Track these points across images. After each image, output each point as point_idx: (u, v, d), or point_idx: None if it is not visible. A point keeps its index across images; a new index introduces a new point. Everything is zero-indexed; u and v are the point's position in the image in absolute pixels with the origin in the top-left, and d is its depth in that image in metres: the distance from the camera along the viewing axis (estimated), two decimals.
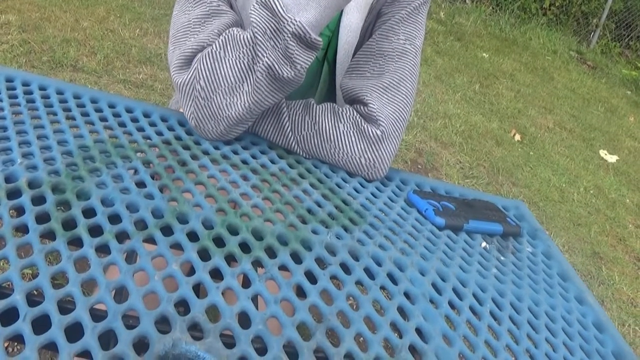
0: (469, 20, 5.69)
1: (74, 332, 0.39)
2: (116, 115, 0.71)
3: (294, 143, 0.74)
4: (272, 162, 0.72)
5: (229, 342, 0.42)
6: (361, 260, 0.57)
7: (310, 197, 0.66)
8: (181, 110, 0.74)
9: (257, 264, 0.51)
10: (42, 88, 0.72)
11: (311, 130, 0.73)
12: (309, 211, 0.63)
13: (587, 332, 0.62)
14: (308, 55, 0.64)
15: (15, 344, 1.12)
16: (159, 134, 0.70)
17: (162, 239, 0.50)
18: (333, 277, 0.53)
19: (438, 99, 3.48)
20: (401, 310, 0.52)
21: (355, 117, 0.73)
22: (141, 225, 0.51)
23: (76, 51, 2.50)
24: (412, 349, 0.48)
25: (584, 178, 3.15)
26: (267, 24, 0.62)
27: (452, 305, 0.56)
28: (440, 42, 4.72)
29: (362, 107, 0.74)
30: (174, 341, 0.40)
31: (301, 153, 0.75)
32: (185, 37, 0.71)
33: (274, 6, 0.61)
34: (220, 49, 0.66)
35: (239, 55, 0.65)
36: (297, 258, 0.54)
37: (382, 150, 0.74)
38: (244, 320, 0.44)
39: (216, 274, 0.48)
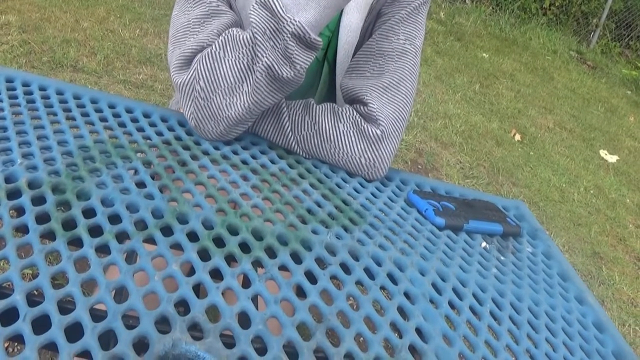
0: (469, 20, 5.70)
1: (74, 332, 0.39)
2: (116, 115, 0.71)
3: (294, 143, 0.74)
4: (272, 162, 0.72)
5: (229, 342, 0.42)
6: (361, 260, 0.57)
7: (310, 197, 0.66)
8: (181, 110, 0.74)
9: (257, 264, 0.51)
10: (42, 88, 0.72)
11: (311, 130, 0.73)
12: (309, 211, 0.63)
13: (587, 332, 0.62)
14: (307, 55, 0.64)
15: (15, 344, 1.12)
16: (159, 134, 0.70)
17: (162, 239, 0.50)
18: (333, 277, 0.53)
19: (438, 99, 3.48)
20: (401, 310, 0.52)
21: (355, 116, 0.73)
22: (141, 225, 0.51)
23: (76, 51, 2.50)
24: (412, 349, 0.48)
25: (584, 178, 3.15)
26: (266, 24, 0.62)
27: (452, 305, 0.56)
28: (440, 42, 4.72)
29: (362, 107, 0.74)
30: (174, 341, 0.40)
31: (301, 153, 0.75)
32: (184, 37, 0.71)
33: (274, 6, 0.61)
34: (220, 49, 0.66)
35: (238, 56, 0.65)
36: (297, 258, 0.54)
37: (382, 150, 0.74)
38: (244, 320, 0.44)
39: (216, 274, 0.48)
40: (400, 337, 0.49)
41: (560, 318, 0.62)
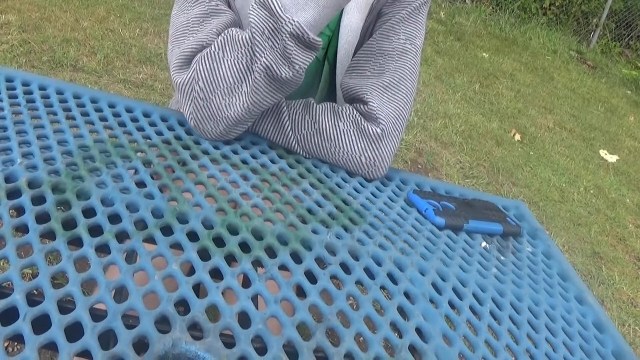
0: (469, 21, 5.69)
1: (74, 332, 0.39)
2: (116, 115, 0.71)
3: (294, 142, 0.74)
4: (273, 162, 0.72)
5: (229, 342, 0.42)
6: (361, 260, 0.57)
7: (310, 197, 0.66)
8: (181, 110, 0.74)
9: (257, 264, 0.51)
10: (42, 88, 0.72)
11: (311, 130, 0.73)
12: (309, 211, 0.63)
13: (588, 332, 0.62)
14: (307, 55, 0.64)
15: (16, 343, 1.12)
16: (159, 134, 0.70)
17: (162, 239, 0.50)
18: (333, 277, 0.53)
19: (438, 99, 3.48)
20: (401, 310, 0.52)
21: (356, 115, 0.73)
22: (141, 225, 0.51)
23: (76, 51, 2.50)
24: (413, 349, 0.48)
25: (584, 178, 3.15)
26: (265, 24, 0.62)
27: (452, 305, 0.56)
28: (441, 42, 4.72)
29: (362, 106, 0.74)
30: (174, 341, 0.40)
31: (301, 152, 0.75)
32: (184, 37, 0.71)
33: (273, 6, 0.61)
34: (219, 49, 0.66)
35: (237, 56, 0.65)
36: (297, 258, 0.54)
37: (383, 149, 0.74)
38: (244, 320, 0.44)
39: (216, 274, 0.48)
40: (401, 337, 0.49)
41: (560, 318, 0.62)
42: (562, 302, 0.65)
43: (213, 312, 0.45)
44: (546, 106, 4.20)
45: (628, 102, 5.23)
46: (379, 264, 0.57)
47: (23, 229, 0.47)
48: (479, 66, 4.49)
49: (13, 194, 0.51)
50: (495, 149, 3.11)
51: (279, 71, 0.63)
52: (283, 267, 0.52)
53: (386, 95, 0.75)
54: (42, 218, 0.48)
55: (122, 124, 0.69)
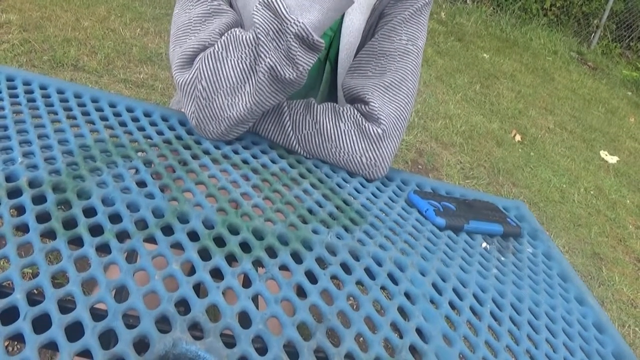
0: (470, 21, 5.69)
1: (74, 331, 0.39)
2: (117, 114, 0.71)
3: (294, 142, 0.74)
4: (273, 161, 0.72)
5: (230, 341, 0.42)
6: (362, 260, 0.57)
7: (310, 197, 0.66)
8: (182, 109, 0.74)
9: (257, 263, 0.51)
10: (42, 87, 0.72)
11: (312, 129, 0.73)
12: (310, 211, 0.63)
13: (587, 333, 0.62)
14: (310, 56, 0.64)
15: (16, 343, 1.12)
16: (160, 133, 0.70)
17: (162, 239, 0.50)
18: (333, 277, 0.53)
19: (439, 99, 3.48)
20: (401, 311, 0.52)
21: (356, 115, 0.73)
22: (142, 224, 0.51)
23: (77, 50, 2.50)
24: (413, 349, 0.48)
25: (584, 179, 3.15)
26: (270, 24, 0.62)
27: (452, 305, 0.56)
28: (441, 43, 4.72)
29: (363, 106, 0.74)
30: (174, 341, 0.40)
31: (302, 152, 0.75)
32: (186, 36, 0.71)
33: (277, 7, 0.61)
34: (222, 49, 0.66)
35: (241, 56, 0.65)
36: (297, 258, 0.54)
37: (383, 149, 0.74)
38: (245, 320, 0.44)
39: (216, 274, 0.48)
40: (401, 337, 0.49)
41: (560, 319, 0.62)
42: (562, 303, 0.65)
43: (213, 312, 0.45)
44: (546, 107, 4.20)
45: (628, 103, 5.23)
46: (379, 264, 0.57)
47: (23, 228, 0.47)
48: (479, 66, 4.49)
49: (13, 193, 0.51)
50: (496, 149, 3.10)
51: (283, 72, 0.63)
52: (283, 267, 0.52)
53: (387, 96, 0.75)
54: (43, 217, 0.48)
55: (123, 124, 0.69)
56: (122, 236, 0.49)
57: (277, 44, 0.62)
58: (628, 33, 6.93)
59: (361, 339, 0.48)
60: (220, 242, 0.52)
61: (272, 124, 0.74)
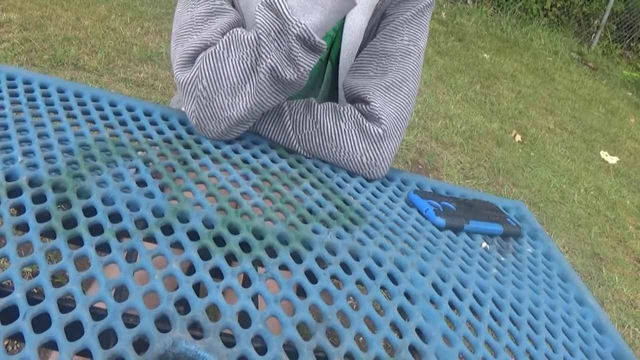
0: (470, 21, 5.69)
1: (74, 330, 0.39)
2: (117, 113, 0.71)
3: (295, 142, 0.74)
4: (273, 161, 0.72)
5: (229, 341, 0.42)
6: (361, 260, 0.57)
7: (310, 197, 0.66)
8: (183, 108, 0.74)
9: (257, 263, 0.51)
10: (43, 86, 0.72)
11: (312, 129, 0.73)
12: (310, 211, 0.63)
13: (587, 333, 0.62)
14: (311, 58, 0.64)
15: (15, 342, 1.12)
16: (160, 132, 0.70)
17: (162, 238, 0.50)
18: (333, 277, 0.53)
19: (439, 99, 3.48)
20: (401, 310, 0.52)
21: (357, 115, 0.73)
22: (141, 224, 0.51)
23: (77, 50, 2.50)
24: (412, 349, 0.48)
25: (584, 179, 3.15)
26: (272, 25, 0.62)
27: (452, 305, 0.56)
28: (442, 43, 4.72)
29: (363, 106, 0.74)
30: (174, 340, 0.40)
31: (302, 152, 0.75)
32: (187, 35, 0.71)
33: (280, 8, 0.61)
34: (224, 49, 0.66)
35: (242, 56, 0.65)
36: (297, 257, 0.54)
37: (384, 149, 0.74)
38: (244, 319, 0.44)
39: (216, 273, 0.48)
40: (401, 337, 0.49)
41: (560, 319, 0.62)
42: (562, 303, 0.65)
43: (213, 311, 0.45)
44: (547, 107, 4.20)
45: (629, 104, 5.23)
46: (379, 264, 0.57)
47: (23, 227, 0.47)
48: (479, 66, 4.49)
49: (13, 192, 0.51)
50: (496, 149, 3.10)
51: (284, 72, 0.63)
52: (283, 267, 0.52)
53: (388, 96, 0.75)
54: (43, 216, 0.48)
55: (123, 123, 0.69)
56: (122, 235, 0.49)
57: (278, 44, 0.62)
58: (628, 34, 6.92)
59: (361, 338, 0.48)
60: (220, 241, 0.52)
61: (272, 124, 0.74)
